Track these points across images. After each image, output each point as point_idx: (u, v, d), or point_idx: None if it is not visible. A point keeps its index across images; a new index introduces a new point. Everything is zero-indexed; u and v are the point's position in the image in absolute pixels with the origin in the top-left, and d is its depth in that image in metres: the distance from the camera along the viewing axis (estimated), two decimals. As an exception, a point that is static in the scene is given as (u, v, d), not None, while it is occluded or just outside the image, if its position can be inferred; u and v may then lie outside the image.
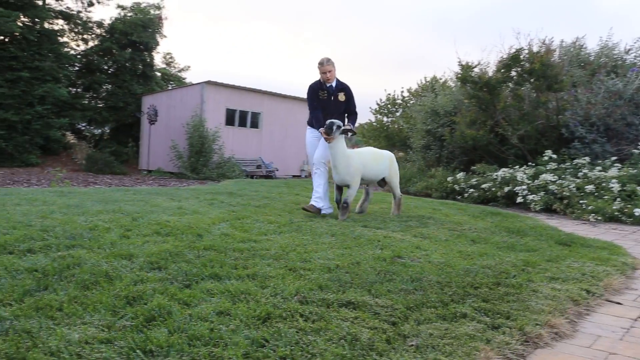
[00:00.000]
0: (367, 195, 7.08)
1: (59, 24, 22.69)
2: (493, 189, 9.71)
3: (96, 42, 23.76)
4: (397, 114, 23.03)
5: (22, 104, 17.24)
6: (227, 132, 18.57)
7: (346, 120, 6.75)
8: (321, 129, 6.13)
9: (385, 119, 23.13)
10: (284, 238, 4.55)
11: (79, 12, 23.12)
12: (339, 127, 5.94)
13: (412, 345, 2.22)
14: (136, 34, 22.43)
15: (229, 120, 19.03)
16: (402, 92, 23.50)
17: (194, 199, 7.74)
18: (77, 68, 23.28)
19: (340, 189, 6.40)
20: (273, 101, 20.32)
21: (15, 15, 17.31)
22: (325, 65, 6.49)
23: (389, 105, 23.46)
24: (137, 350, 1.96)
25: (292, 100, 21.04)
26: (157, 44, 23.85)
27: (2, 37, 17.72)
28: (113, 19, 23.65)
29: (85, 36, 23.98)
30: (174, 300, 2.56)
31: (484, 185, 9.94)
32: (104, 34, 23.64)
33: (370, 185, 7.07)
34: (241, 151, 18.80)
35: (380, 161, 6.65)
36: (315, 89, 6.59)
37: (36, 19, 19.48)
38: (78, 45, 23.89)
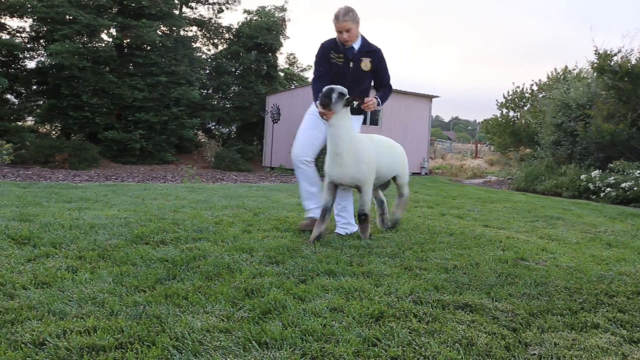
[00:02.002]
0: (381, 201, 4.95)
1: (193, 30, 24.36)
2: (635, 188, 8.85)
3: (225, 46, 25.16)
4: (525, 108, 21.80)
5: (160, 106, 18.71)
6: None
7: (372, 94, 4.63)
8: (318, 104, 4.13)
9: (511, 113, 22.00)
10: (400, 236, 4.49)
11: (210, 18, 24.64)
12: (342, 95, 3.99)
13: (534, 354, 2.07)
14: (261, 37, 23.40)
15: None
16: (532, 85, 22.17)
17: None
18: (207, 71, 24.82)
19: (333, 190, 4.31)
20: (393, 98, 20.14)
21: (156, 25, 18.84)
22: (341, 20, 4.32)
23: (516, 99, 22.27)
24: (253, 342, 2.03)
25: (412, 96, 20.74)
26: (280, 45, 24.69)
27: (144, 46, 19.36)
28: (240, 23, 24.87)
29: (215, 41, 25.51)
30: (289, 295, 2.62)
31: (624, 185, 9.10)
32: (232, 38, 24.96)
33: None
34: (360, 148, 18.91)
35: (395, 153, 4.77)
36: (327, 49, 4.50)
37: (173, 27, 21.08)
38: (209, 50, 25.47)
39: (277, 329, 2.16)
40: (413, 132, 20.35)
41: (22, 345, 1.93)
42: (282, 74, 26.84)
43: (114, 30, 18.73)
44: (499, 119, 21.51)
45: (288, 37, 25.55)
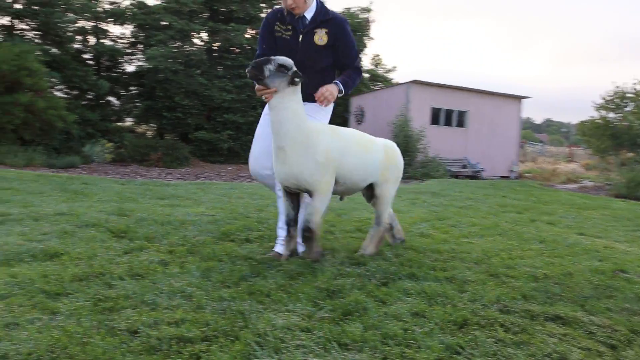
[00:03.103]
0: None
1: (280, 33, 24.96)
2: None
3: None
4: (627, 109, 20.40)
5: (247, 108, 19.29)
6: (432, 131, 18.41)
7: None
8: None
9: (611, 114, 20.67)
10: (486, 242, 4.34)
11: (297, 21, 25.17)
12: (283, 68, 3.05)
13: (634, 374, 1.92)
14: (346, 38, 23.52)
15: (434, 119, 18.85)
16: (635, 84, 20.70)
17: (396, 197, 7.82)
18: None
19: (292, 195, 3.38)
20: (480, 99, 19.57)
21: (244, 28, 19.47)
22: None
23: (616, 100, 20.90)
24: (333, 342, 2.03)
25: (500, 97, 20.02)
26: (364, 46, 24.70)
27: (233, 48, 20.04)
28: (326, 25, 25.15)
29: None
30: (370, 297, 2.60)
31: None
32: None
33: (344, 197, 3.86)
34: (446, 150, 18.47)
35: (369, 152, 3.51)
36: (271, 21, 3.55)
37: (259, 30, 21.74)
38: (295, 52, 25.98)
39: (358, 330, 2.14)
40: (501, 134, 19.64)
41: (118, 332, 2.04)
42: (366, 75, 26.81)
43: (205, 34, 19.53)
44: (597, 121, 20.28)
45: (372, 38, 25.48)
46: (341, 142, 3.30)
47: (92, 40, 18.19)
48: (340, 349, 1.99)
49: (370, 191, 3.72)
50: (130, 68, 19.31)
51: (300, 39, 3.45)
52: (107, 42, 18.43)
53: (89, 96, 17.51)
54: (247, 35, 19.84)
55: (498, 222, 5.48)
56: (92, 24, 18.02)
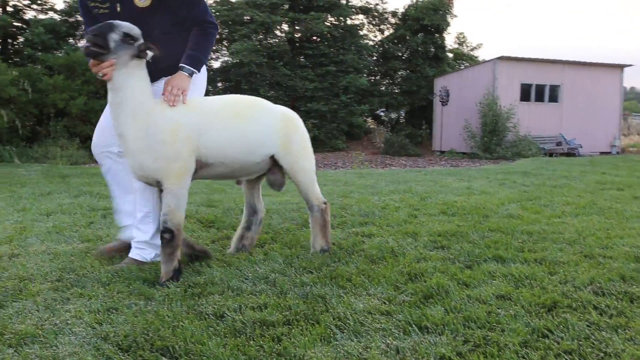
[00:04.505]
0: (254, 212, 3.30)
1: (359, 18, 24.78)
2: None
3: (391, 31, 25.15)
4: None
5: (329, 95, 19.43)
6: (522, 108, 17.58)
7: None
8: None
9: None
10: (581, 221, 4.10)
11: (376, 4, 24.82)
12: (129, 38, 2.51)
13: None
14: (427, 18, 22.94)
15: (524, 96, 17.99)
16: None
17: (484, 179, 7.58)
18: (374, 57, 25.06)
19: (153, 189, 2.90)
20: (575, 71, 18.41)
21: (324, 16, 19.58)
22: None
23: None
24: (413, 325, 2.01)
25: (599, 68, 18.73)
26: (447, 25, 23.98)
27: (314, 37, 20.22)
28: (406, 6, 24.65)
29: (381, 27, 25.64)
30: (453, 280, 2.55)
31: None
32: (397, 22, 24.85)
33: (242, 182, 3.25)
34: (538, 128, 17.59)
35: (250, 120, 2.88)
36: (84, 0, 2.84)
37: (340, 17, 21.68)
38: (375, 36, 25.68)
39: (439, 314, 2.11)
40: (600, 107, 18.41)
41: (206, 316, 2.14)
42: (450, 55, 26.06)
43: (286, 25, 19.82)
44: None
45: (456, 16, 24.73)
46: (197, 116, 2.71)
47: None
48: (420, 332, 1.97)
49: (275, 173, 3.16)
50: (216, 64, 20.03)
51: (118, 8, 2.73)
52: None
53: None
54: (327, 23, 19.93)
55: (595, 200, 5.16)
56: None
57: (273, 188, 3.25)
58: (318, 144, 18.95)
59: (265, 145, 2.92)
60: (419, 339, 1.90)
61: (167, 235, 2.62)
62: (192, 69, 2.79)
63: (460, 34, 29.11)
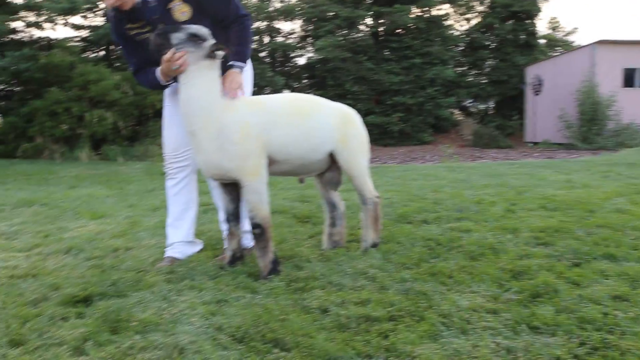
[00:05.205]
0: (333, 207, 3.31)
1: (444, 8, 24.20)
2: None
3: (478, 20, 24.38)
4: None
5: (415, 88, 19.18)
6: (626, 94, 16.44)
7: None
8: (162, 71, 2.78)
9: None
10: (700, 216, 3.79)
11: (461, -7, 24.19)
12: (196, 38, 2.60)
13: None
14: (517, 4, 22.01)
15: (628, 81, 16.82)
16: None
17: (584, 171, 7.19)
18: (461, 48, 24.40)
19: (223, 187, 2.93)
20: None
21: (408, 8, 19.32)
22: None
23: None
24: (523, 325, 1.96)
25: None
26: (538, 10, 22.88)
27: (398, 30, 20.02)
28: (494, -7, 23.80)
29: (467, 16, 24.91)
30: (561, 279, 2.45)
31: None
32: (485, 10, 24.04)
33: (304, 179, 3.37)
34: (643, 115, 16.42)
35: (311, 117, 2.92)
36: (120, 30, 2.95)
37: (425, 8, 21.30)
38: (461, 26, 25.00)
39: (549, 313, 2.04)
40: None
41: (311, 310, 2.20)
42: (542, 42, 24.88)
43: (370, 19, 19.76)
44: None
45: (547, 0, 23.55)
46: (264, 115, 2.76)
47: (266, 39, 19.50)
48: (531, 332, 1.92)
49: (334, 171, 3.17)
50: (301, 61, 20.35)
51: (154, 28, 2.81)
52: (279, 39, 19.62)
53: (267, 92, 18.85)
54: (411, 15, 19.66)
55: None
56: (266, 23, 19.30)
57: (330, 187, 3.27)
58: (404, 138, 18.78)
59: (325, 142, 2.97)
60: (530, 339, 1.85)
61: (257, 230, 2.71)
62: (241, 64, 2.89)
63: (553, 18, 27.73)
